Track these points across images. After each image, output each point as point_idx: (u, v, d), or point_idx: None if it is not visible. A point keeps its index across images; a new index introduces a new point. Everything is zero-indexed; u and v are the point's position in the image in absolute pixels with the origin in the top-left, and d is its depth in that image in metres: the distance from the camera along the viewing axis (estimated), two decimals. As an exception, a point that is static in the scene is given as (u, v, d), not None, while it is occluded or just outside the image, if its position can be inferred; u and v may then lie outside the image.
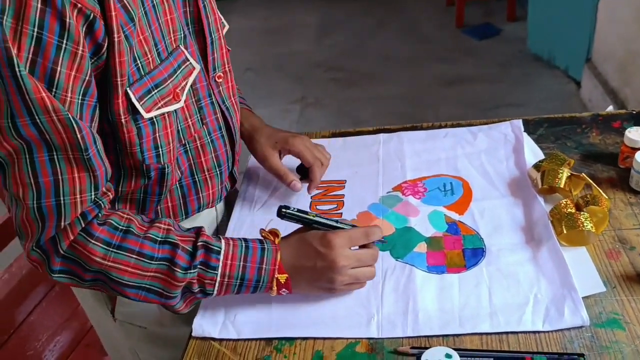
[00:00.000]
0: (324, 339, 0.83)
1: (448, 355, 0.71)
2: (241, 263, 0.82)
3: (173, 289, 0.79)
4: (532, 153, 1.09)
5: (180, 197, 0.94)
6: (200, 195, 0.96)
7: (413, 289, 0.87)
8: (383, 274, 0.91)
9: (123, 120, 0.78)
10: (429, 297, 0.86)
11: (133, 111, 0.79)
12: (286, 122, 3.21)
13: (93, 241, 0.76)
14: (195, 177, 0.95)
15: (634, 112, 1.16)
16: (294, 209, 0.86)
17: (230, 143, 1.00)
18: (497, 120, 1.20)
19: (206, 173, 0.96)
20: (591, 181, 0.95)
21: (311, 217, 0.86)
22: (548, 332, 0.78)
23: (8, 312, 1.44)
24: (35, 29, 0.65)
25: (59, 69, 0.68)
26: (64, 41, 0.67)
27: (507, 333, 0.79)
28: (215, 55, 0.93)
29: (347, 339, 0.82)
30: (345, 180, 1.12)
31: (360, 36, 3.96)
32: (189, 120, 0.89)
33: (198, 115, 0.91)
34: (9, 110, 0.67)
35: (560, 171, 0.96)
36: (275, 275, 0.83)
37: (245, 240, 0.84)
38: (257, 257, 0.82)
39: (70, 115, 0.70)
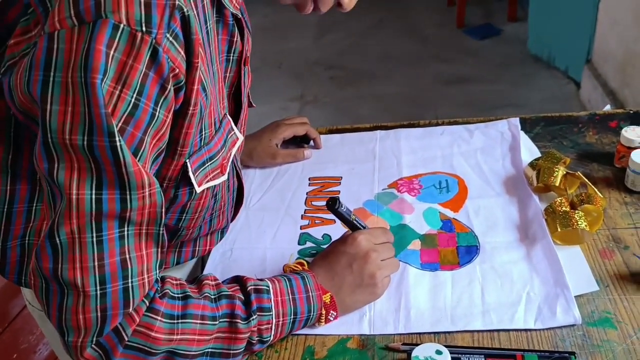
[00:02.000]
0: (316, 335, 0.82)
1: (438, 352, 0.71)
2: (290, 297, 0.78)
3: (238, 344, 0.73)
4: (529, 151, 1.08)
5: (177, 249, 0.90)
6: (197, 248, 0.92)
7: (406, 286, 0.87)
8: (376, 271, 0.90)
9: (165, 184, 0.73)
10: (422, 294, 0.85)
11: (183, 182, 0.74)
12: (285, 120, 3.20)
13: (159, 319, 0.67)
14: (200, 234, 0.90)
15: (631, 112, 1.16)
16: (345, 206, 0.85)
17: (238, 202, 0.99)
18: (495, 118, 1.20)
19: (210, 233, 0.93)
20: (586, 180, 0.94)
21: (353, 218, 0.86)
22: (540, 330, 0.78)
23: (2, 306, 1.44)
24: (134, 95, 0.60)
25: (146, 138, 0.63)
26: (159, 109, 0.63)
27: (498, 331, 0.79)
28: (242, 118, 0.90)
29: (339, 335, 0.82)
30: (342, 177, 1.12)
31: (359, 35, 3.95)
32: (223, 190, 0.86)
33: (227, 183, 0.88)
34: (94, 182, 0.61)
35: (556, 170, 0.96)
36: (322, 298, 0.80)
37: (283, 274, 0.82)
38: (301, 286, 0.79)
39: (160, 189, 0.66)
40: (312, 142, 1.20)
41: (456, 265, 0.89)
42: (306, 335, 0.82)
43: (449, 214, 0.99)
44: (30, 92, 0.60)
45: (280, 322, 0.77)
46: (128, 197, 0.63)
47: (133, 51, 0.59)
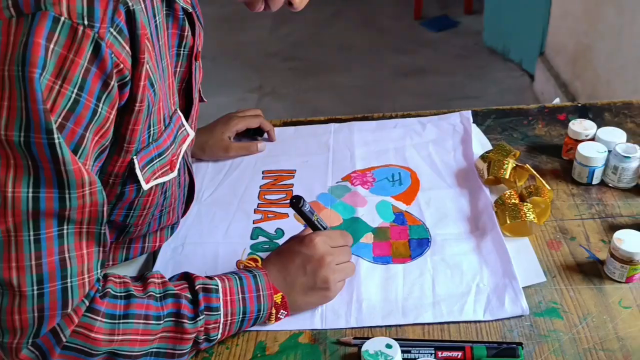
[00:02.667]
0: (267, 330, 0.81)
1: (388, 346, 0.71)
2: (240, 296, 0.76)
3: (184, 344, 0.71)
4: (480, 144, 1.10)
5: (125, 245, 0.88)
6: (146, 245, 0.90)
7: (358, 279, 0.87)
8: (329, 265, 0.90)
9: (111, 180, 0.72)
10: (373, 287, 0.85)
11: (130, 179, 0.72)
12: (243, 111, 3.17)
13: (100, 319, 0.65)
14: (149, 230, 0.88)
15: (579, 105, 1.18)
16: (308, 205, 0.84)
17: (189, 198, 0.97)
18: (448, 111, 1.21)
19: (160, 229, 0.91)
20: (535, 172, 0.96)
21: (315, 219, 0.85)
22: (488, 321, 0.79)
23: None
24: (75, 90, 0.58)
25: (87, 134, 0.61)
26: (101, 105, 0.61)
27: (448, 323, 0.80)
28: (192, 113, 0.88)
29: (291, 330, 0.81)
30: (295, 170, 1.11)
31: (316, 26, 3.93)
32: (173, 187, 0.84)
33: (178, 179, 0.85)
34: (31, 180, 0.59)
35: (506, 162, 0.97)
36: (273, 298, 0.79)
37: (234, 272, 0.80)
38: (252, 286, 0.78)
39: (102, 188, 0.64)
40: (265, 135, 1.19)
41: (408, 258, 0.90)
42: (257, 331, 0.81)
43: (402, 206, 0.99)
44: None
45: (229, 321, 0.75)
46: (67, 195, 0.61)
47: (74, 45, 0.58)
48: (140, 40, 0.64)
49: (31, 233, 0.60)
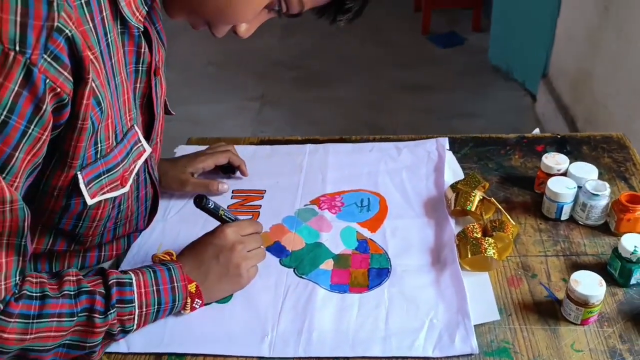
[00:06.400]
0: (215, 356, 0.81)
1: (328, 381, 0.70)
2: (154, 288, 0.80)
3: (94, 337, 0.74)
4: (452, 172, 1.08)
5: (80, 254, 0.89)
6: (103, 254, 0.92)
7: (312, 308, 0.86)
8: (285, 291, 0.89)
9: (55, 193, 0.73)
10: (327, 316, 0.84)
11: (73, 193, 0.74)
12: (243, 119, 3.18)
13: (12, 321, 0.67)
14: (102, 241, 0.89)
15: (558, 137, 1.17)
16: (212, 202, 0.90)
17: (153, 209, 0.97)
18: (426, 137, 1.19)
19: (117, 239, 0.93)
20: (500, 207, 0.94)
21: (221, 212, 0.91)
22: (437, 358, 0.78)
23: None
24: (4, 113, 0.60)
25: (17, 154, 0.63)
26: (32, 127, 0.62)
27: (397, 357, 0.78)
28: (156, 128, 0.89)
29: (238, 357, 0.80)
30: (265, 190, 1.10)
31: (324, 37, 3.93)
32: (129, 200, 0.86)
33: (136, 192, 0.87)
34: None
35: (473, 194, 0.96)
36: (187, 288, 0.83)
37: (149, 266, 0.83)
38: (167, 278, 0.82)
39: (23, 205, 0.65)
40: (238, 173, 1.15)
41: (365, 288, 0.88)
42: (205, 356, 0.81)
43: (366, 233, 0.98)
44: None
45: (144, 312, 0.79)
46: None
47: (4, 70, 0.59)
48: (83, 62, 0.65)
49: None
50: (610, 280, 0.86)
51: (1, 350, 0.67)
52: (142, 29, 0.78)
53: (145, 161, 0.90)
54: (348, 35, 3.93)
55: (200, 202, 0.88)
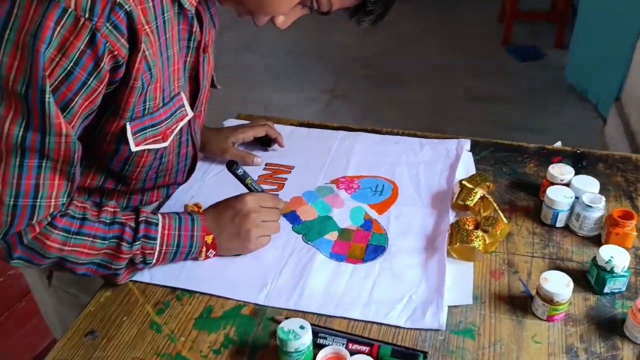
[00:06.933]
0: (219, 297, 0.94)
1: (302, 327, 0.80)
2: (176, 232, 0.95)
3: (120, 262, 0.90)
4: (465, 170, 1.16)
5: (126, 196, 1.05)
6: (145, 198, 1.07)
7: (309, 269, 0.97)
8: (290, 252, 1.00)
9: (108, 137, 0.88)
10: (320, 279, 0.95)
11: (122, 139, 0.88)
12: (311, 110, 3.31)
13: (56, 232, 0.83)
14: (145, 187, 1.05)
15: (578, 151, 1.21)
16: (241, 169, 1.03)
17: (191, 167, 1.12)
18: (450, 137, 1.27)
19: (157, 188, 1.09)
20: (495, 206, 1.01)
21: (248, 181, 1.04)
22: (407, 328, 0.87)
23: None
24: (70, 65, 0.74)
25: (76, 99, 0.77)
26: (91, 79, 0.77)
27: (372, 322, 0.88)
28: (201, 97, 1.03)
29: (238, 300, 0.93)
30: (294, 167, 1.22)
31: (404, 38, 4.00)
32: (171, 155, 1.00)
33: (177, 149, 1.02)
34: (23, 123, 0.76)
35: (475, 191, 1.04)
36: (205, 239, 0.96)
37: (177, 213, 0.97)
38: (189, 226, 0.96)
39: (76, 139, 0.80)
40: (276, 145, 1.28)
41: (360, 260, 0.98)
42: (211, 295, 0.94)
43: (373, 214, 1.08)
44: None
45: (164, 251, 0.94)
46: (47, 140, 0.78)
47: (75, 31, 0.74)
48: (138, 34, 0.79)
49: (17, 159, 0.78)
50: (587, 287, 0.92)
51: (43, 254, 0.84)
52: (195, 12, 0.91)
53: (189, 124, 1.04)
54: (428, 40, 3.98)
55: (231, 167, 1.02)
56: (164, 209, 1.12)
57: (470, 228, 0.98)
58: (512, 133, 2.93)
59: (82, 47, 0.75)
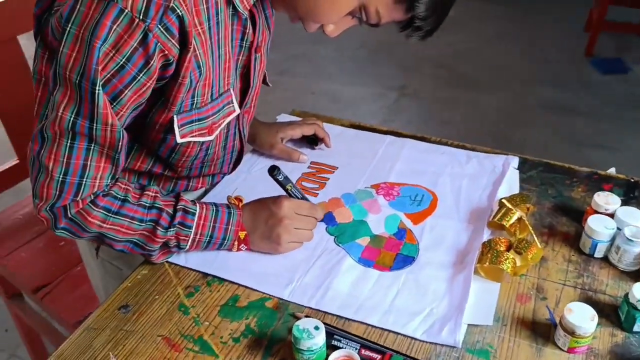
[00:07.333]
0: (246, 287, 0.97)
1: (316, 328, 0.83)
2: (212, 224, 0.99)
3: (154, 244, 0.96)
4: (509, 188, 1.14)
5: (173, 181, 1.10)
6: (190, 184, 1.13)
7: (336, 271, 0.99)
8: (320, 253, 1.03)
9: (157, 127, 0.94)
10: (345, 282, 0.97)
11: (169, 130, 0.94)
12: (378, 105, 3.31)
13: (97, 209, 0.90)
14: (190, 174, 1.09)
15: (631, 180, 1.17)
16: (282, 175, 1.04)
17: (238, 159, 1.17)
18: (500, 152, 1.25)
19: (203, 176, 1.13)
20: (531, 229, 1.00)
21: (288, 187, 1.05)
22: (423, 341, 0.87)
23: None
24: (123, 60, 0.80)
25: (126, 91, 0.83)
26: (141, 75, 0.82)
27: (389, 331, 0.89)
28: (251, 94, 1.07)
29: (264, 293, 0.96)
30: (338, 167, 1.24)
31: (482, 42, 3.91)
32: (217, 147, 1.05)
33: (224, 143, 1.07)
34: (75, 109, 0.82)
35: (513, 212, 1.02)
36: (238, 234, 1.00)
37: (216, 205, 1.01)
38: (225, 220, 1.00)
39: (121, 129, 0.86)
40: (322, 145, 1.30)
41: (387, 268, 1.00)
42: (239, 285, 0.98)
43: (408, 224, 1.09)
44: (54, 34, 0.83)
45: (197, 239, 0.98)
46: (95, 127, 0.84)
47: (129, 30, 0.80)
48: (188, 35, 0.84)
49: (69, 141, 0.85)
50: (617, 323, 0.89)
51: (84, 228, 0.91)
52: (247, 15, 0.95)
53: (237, 119, 1.08)
54: (507, 45, 3.88)
55: (272, 172, 1.03)
56: (208, 197, 1.17)
57: (502, 249, 0.97)
58: (581, 149, 2.82)
59: (135, 45, 0.80)
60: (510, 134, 2.98)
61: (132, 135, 0.99)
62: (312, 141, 1.30)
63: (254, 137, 1.28)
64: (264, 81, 1.15)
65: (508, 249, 0.97)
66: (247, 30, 0.98)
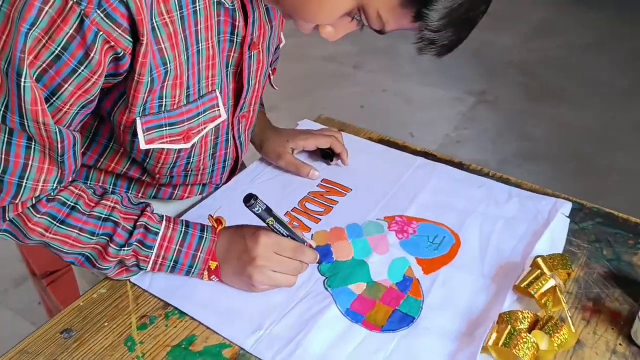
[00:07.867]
0: (207, 327, 0.82)
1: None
2: (177, 247, 0.84)
3: (105, 263, 0.83)
4: (551, 243, 0.92)
5: (156, 185, 0.96)
6: (176, 192, 0.99)
7: (314, 322, 0.81)
8: (304, 295, 0.86)
9: (121, 128, 0.82)
10: (324, 339, 0.80)
11: (135, 133, 0.81)
12: (452, 109, 3.07)
13: (39, 216, 0.78)
14: (174, 182, 0.96)
15: None
16: (260, 206, 0.81)
17: (232, 169, 1.02)
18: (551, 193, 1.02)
19: (190, 185, 0.99)
20: (566, 305, 0.78)
21: (268, 222, 0.83)
22: None
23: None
24: (58, 49, 0.67)
25: (66, 85, 0.70)
26: (81, 67, 0.70)
27: (359, 413, 0.71)
28: (247, 97, 0.93)
29: (224, 338, 0.81)
30: (351, 190, 1.06)
31: (574, 50, 3.54)
32: (201, 155, 0.92)
33: (211, 150, 0.93)
34: (5, 101, 0.70)
35: (546, 278, 0.80)
36: (208, 263, 0.85)
37: (187, 225, 0.86)
38: (194, 244, 0.85)
39: (56, 129, 0.73)
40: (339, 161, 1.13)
41: (379, 328, 0.81)
42: (199, 324, 0.83)
43: (418, 272, 0.89)
44: None
45: (159, 262, 0.85)
46: (26, 123, 0.71)
47: (63, 14, 0.66)
48: (138, 25, 0.69)
49: (6, 136, 0.73)
50: None
51: (25, 235, 0.80)
52: (235, 5, 0.79)
53: (230, 125, 0.93)
54: (601, 55, 3.49)
55: (247, 202, 0.80)
56: (192, 212, 1.01)
57: (523, 327, 0.76)
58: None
59: (69, 32, 0.67)
60: (593, 155, 2.65)
61: (107, 133, 0.87)
62: (328, 155, 1.12)
63: (262, 144, 1.12)
64: (270, 82, 0.99)
65: (532, 327, 0.76)
66: (237, 23, 0.82)
